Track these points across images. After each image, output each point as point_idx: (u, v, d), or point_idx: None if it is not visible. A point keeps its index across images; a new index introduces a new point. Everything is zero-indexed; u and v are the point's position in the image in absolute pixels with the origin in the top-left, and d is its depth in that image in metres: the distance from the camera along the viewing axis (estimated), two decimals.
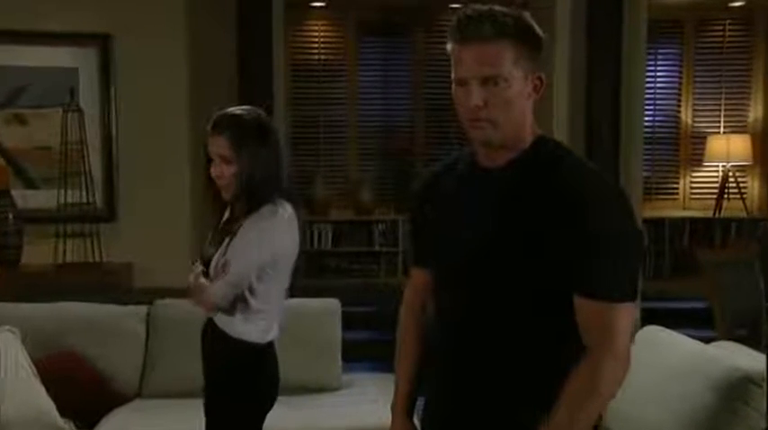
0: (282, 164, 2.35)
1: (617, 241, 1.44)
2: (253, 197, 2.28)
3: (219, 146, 2.28)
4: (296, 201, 2.39)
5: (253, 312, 2.30)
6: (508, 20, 1.47)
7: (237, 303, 2.29)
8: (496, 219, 1.53)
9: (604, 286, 1.45)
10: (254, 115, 2.34)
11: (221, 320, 2.32)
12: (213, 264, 2.31)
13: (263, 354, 2.35)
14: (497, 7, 1.49)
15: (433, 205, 1.68)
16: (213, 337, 2.36)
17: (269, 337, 2.36)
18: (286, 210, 2.30)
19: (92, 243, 4.68)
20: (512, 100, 1.49)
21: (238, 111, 2.34)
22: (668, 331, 2.87)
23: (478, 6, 1.49)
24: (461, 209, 1.60)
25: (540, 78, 1.53)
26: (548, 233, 1.45)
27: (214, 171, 2.31)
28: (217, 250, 2.33)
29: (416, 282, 1.82)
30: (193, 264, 2.40)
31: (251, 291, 2.28)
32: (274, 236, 2.27)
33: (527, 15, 1.51)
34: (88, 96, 4.87)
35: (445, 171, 1.71)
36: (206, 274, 2.33)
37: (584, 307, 1.46)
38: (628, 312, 1.47)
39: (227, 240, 2.30)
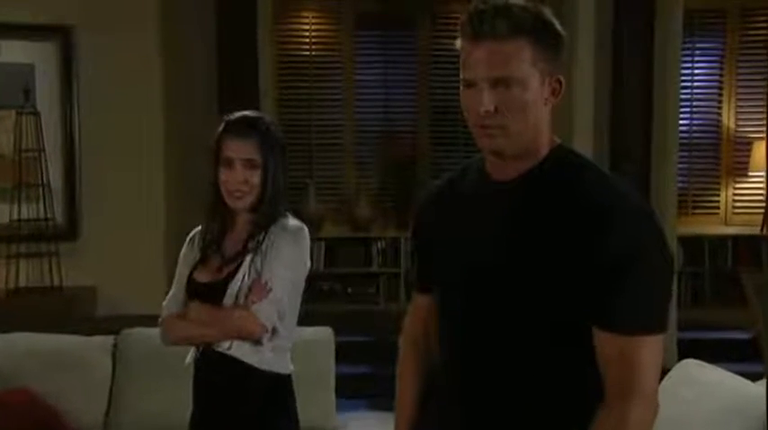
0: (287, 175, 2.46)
1: (643, 266, 1.44)
2: (275, 208, 2.35)
3: (247, 149, 2.34)
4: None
5: (281, 339, 2.34)
6: (526, 15, 1.49)
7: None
8: (507, 240, 1.54)
9: (627, 317, 1.45)
10: (270, 120, 2.45)
11: (243, 350, 2.31)
12: (234, 288, 2.30)
13: (288, 386, 2.40)
14: (510, 2, 1.50)
15: (438, 223, 1.70)
16: (228, 373, 2.33)
17: (291, 367, 2.41)
18: (304, 225, 2.39)
19: (50, 265, 4.69)
20: (527, 105, 1.50)
21: (256, 114, 2.46)
22: (708, 366, 2.86)
23: (493, 1, 1.50)
24: (469, 227, 1.62)
25: (559, 81, 1.54)
26: (565, 256, 1.46)
27: (235, 176, 2.34)
28: (223, 272, 2.34)
29: (419, 310, 1.83)
30: (190, 301, 2.40)
31: (279, 315, 2.32)
32: (304, 252, 2.36)
33: (547, 11, 1.53)
34: (46, 97, 4.90)
35: (452, 184, 1.72)
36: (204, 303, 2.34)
37: (604, 340, 1.47)
38: (655, 346, 1.47)
39: (248, 259, 2.31)
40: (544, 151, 1.57)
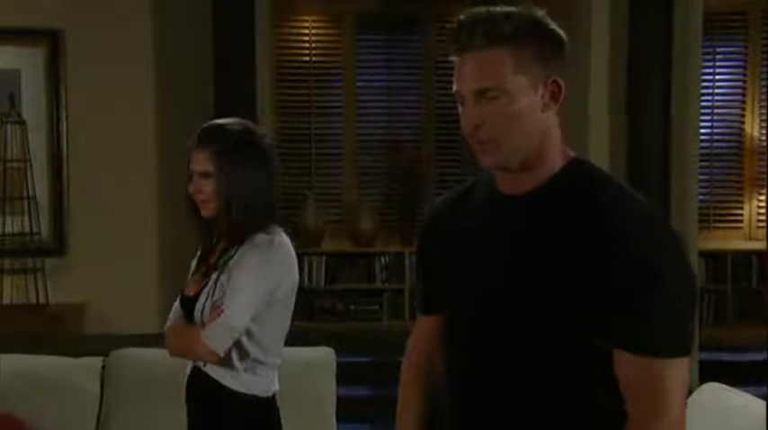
0: (275, 187, 2.43)
1: (665, 286, 1.44)
2: (241, 222, 2.34)
3: (200, 161, 2.36)
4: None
5: (252, 360, 2.35)
6: (507, 23, 1.50)
7: (234, 351, 2.33)
8: (515, 258, 1.54)
9: (651, 339, 1.45)
10: (242, 127, 2.42)
11: (218, 372, 2.36)
12: (199, 305, 2.34)
13: (271, 409, 2.42)
14: (499, 8, 1.53)
15: (445, 240, 1.70)
16: (208, 393, 2.38)
17: (274, 388, 2.43)
18: (284, 241, 2.36)
19: (35, 281, 4.70)
20: (516, 115, 1.51)
21: (223, 122, 2.44)
22: (731, 389, 2.85)
23: (477, 10, 1.53)
24: (478, 244, 1.61)
25: (557, 84, 1.54)
26: (579, 277, 1.46)
27: (191, 187, 2.38)
28: (201, 288, 2.37)
29: (423, 332, 1.82)
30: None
31: (249, 335, 2.33)
32: (272, 270, 2.33)
33: (539, 13, 1.54)
34: (33, 104, 4.92)
35: (460, 199, 1.72)
36: (188, 319, 2.38)
37: (627, 363, 1.46)
38: (681, 368, 1.47)
39: (213, 276, 2.34)
40: (557, 163, 1.57)
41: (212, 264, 2.40)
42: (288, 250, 2.37)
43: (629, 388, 1.47)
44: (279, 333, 2.42)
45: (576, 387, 1.52)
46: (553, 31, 1.54)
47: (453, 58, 1.56)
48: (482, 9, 1.52)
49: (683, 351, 1.48)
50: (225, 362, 2.33)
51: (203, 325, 2.32)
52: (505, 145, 1.52)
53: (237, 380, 2.35)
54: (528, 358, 1.53)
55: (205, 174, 2.35)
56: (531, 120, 1.52)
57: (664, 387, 1.45)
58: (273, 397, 2.44)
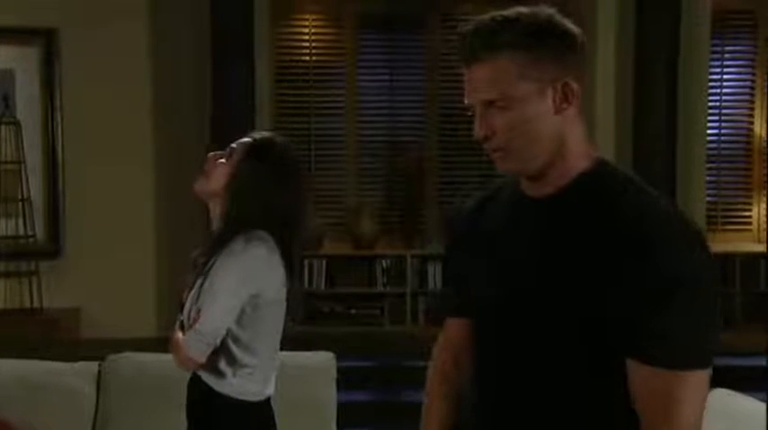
0: (295, 205, 2.46)
1: (688, 294, 1.41)
2: (230, 229, 2.36)
3: (236, 144, 2.45)
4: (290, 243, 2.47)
5: (241, 365, 2.38)
6: (507, 30, 1.50)
7: (222, 356, 2.36)
8: (542, 260, 1.54)
9: (669, 351, 1.42)
10: (279, 138, 2.55)
11: (208, 377, 2.40)
12: (185, 312, 2.39)
13: (263, 413, 2.45)
14: (501, 14, 1.52)
15: (473, 242, 1.70)
16: (201, 397, 2.43)
17: (267, 392, 2.45)
18: (263, 243, 2.37)
19: (30, 285, 4.70)
20: (526, 122, 1.50)
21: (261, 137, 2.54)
22: (740, 395, 2.85)
23: (478, 18, 1.53)
24: (504, 246, 1.62)
25: (568, 85, 1.52)
26: (601, 282, 1.45)
27: (201, 177, 2.44)
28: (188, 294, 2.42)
29: (451, 336, 1.83)
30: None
31: (235, 340, 2.36)
32: (249, 277, 2.35)
33: (543, 14, 1.53)
34: (27, 105, 4.92)
35: (487, 201, 1.73)
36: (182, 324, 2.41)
37: (641, 374, 1.44)
38: (699, 383, 1.44)
39: (198, 282, 2.37)
40: (580, 164, 1.56)
41: (198, 273, 2.42)
42: (265, 256, 2.37)
43: (640, 400, 1.46)
44: (268, 337, 2.44)
45: (598, 391, 1.51)
46: (561, 30, 1.52)
47: (463, 70, 1.56)
48: (484, 17, 1.52)
49: (703, 365, 1.44)
50: (213, 367, 2.37)
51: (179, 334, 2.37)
52: (518, 152, 1.52)
53: (227, 385, 2.38)
54: (552, 360, 1.53)
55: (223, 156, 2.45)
56: (543, 126, 1.51)
57: (679, 402, 1.43)
58: (267, 400, 2.46)
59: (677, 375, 1.42)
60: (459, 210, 1.84)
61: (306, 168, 6.71)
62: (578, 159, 1.56)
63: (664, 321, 1.41)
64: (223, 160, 2.43)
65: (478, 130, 1.53)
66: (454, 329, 1.81)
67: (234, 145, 2.45)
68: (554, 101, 1.51)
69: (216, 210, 2.44)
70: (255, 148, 2.44)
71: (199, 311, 2.32)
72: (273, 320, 2.44)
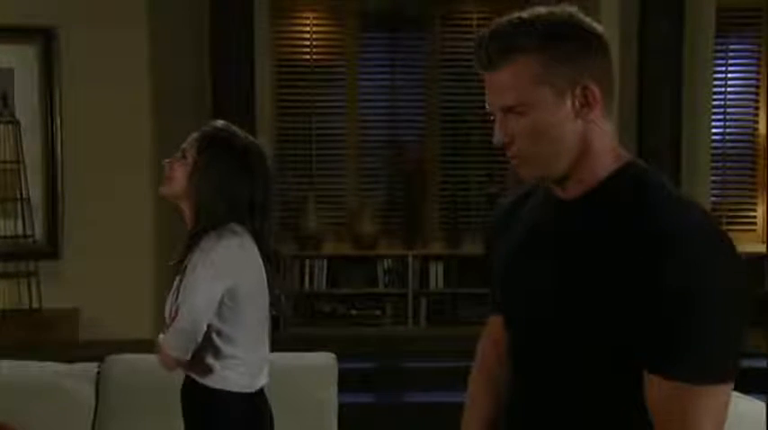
0: (260, 196, 2.48)
1: (710, 303, 1.37)
2: (205, 223, 2.41)
3: (186, 143, 2.48)
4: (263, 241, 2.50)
5: (227, 358, 2.42)
6: (522, 35, 1.48)
7: (208, 351, 2.40)
8: (567, 261, 1.53)
9: (688, 363, 1.39)
10: (236, 131, 2.52)
11: (200, 375, 2.43)
12: (166, 312, 2.43)
13: (254, 405, 2.48)
14: (516, 17, 1.50)
15: (505, 241, 1.70)
16: (194, 393, 2.46)
17: (259, 384, 2.48)
18: (235, 236, 2.41)
19: (28, 285, 4.71)
20: (544, 128, 1.49)
21: (221, 128, 2.54)
22: (746, 398, 2.84)
23: (495, 23, 1.51)
24: (533, 247, 1.62)
25: (588, 88, 1.48)
26: (622, 286, 1.42)
27: (164, 182, 2.51)
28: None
29: (494, 332, 1.82)
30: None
31: (218, 333, 2.40)
32: (222, 271, 2.38)
33: (561, 15, 1.50)
34: (26, 104, 4.93)
35: (522, 200, 1.73)
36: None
37: (658, 386, 1.41)
38: (718, 398, 1.40)
39: (176, 281, 2.42)
40: (607, 167, 1.53)
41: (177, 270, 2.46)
42: (237, 248, 2.41)
43: (656, 412, 1.42)
44: (252, 328, 2.47)
45: (624, 397, 1.49)
46: (580, 30, 1.49)
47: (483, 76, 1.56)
48: (501, 20, 1.50)
49: (723, 379, 1.40)
50: (200, 363, 2.40)
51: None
52: (537, 158, 1.51)
53: (218, 379, 2.41)
54: (574, 360, 1.52)
55: (182, 152, 2.49)
56: (563, 131, 1.49)
57: (696, 417, 1.39)
58: (261, 391, 2.50)
59: (697, 389, 1.38)
60: (498, 206, 1.84)
61: (306, 169, 6.73)
62: (605, 162, 1.53)
63: (683, 331, 1.37)
64: (180, 161, 2.48)
65: (497, 137, 1.52)
66: (496, 326, 1.80)
67: (184, 144, 2.50)
68: (573, 105, 1.48)
69: (186, 210, 2.49)
70: (206, 140, 2.47)
71: (177, 310, 2.36)
72: (256, 311, 2.47)
